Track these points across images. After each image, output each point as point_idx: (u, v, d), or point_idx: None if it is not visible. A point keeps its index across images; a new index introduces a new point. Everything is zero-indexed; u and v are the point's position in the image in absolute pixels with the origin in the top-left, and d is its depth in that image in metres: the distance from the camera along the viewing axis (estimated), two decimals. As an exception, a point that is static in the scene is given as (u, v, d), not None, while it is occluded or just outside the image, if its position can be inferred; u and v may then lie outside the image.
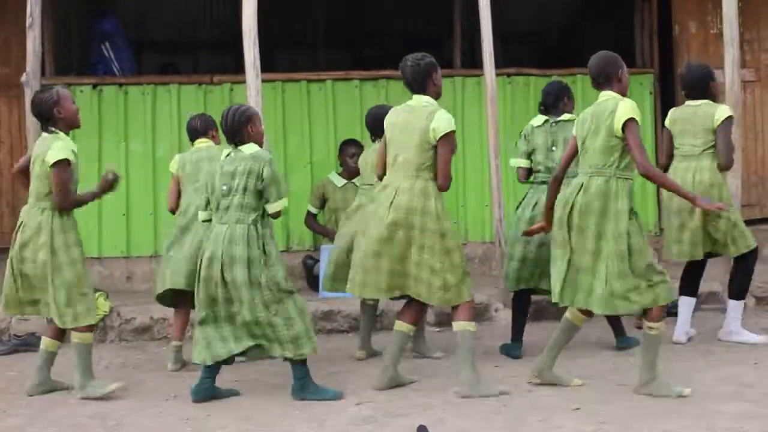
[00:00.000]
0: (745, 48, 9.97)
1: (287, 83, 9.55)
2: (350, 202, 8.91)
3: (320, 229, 9.12)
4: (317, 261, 8.78)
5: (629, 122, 5.89)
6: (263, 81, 8.04)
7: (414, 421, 5.45)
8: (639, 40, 10.44)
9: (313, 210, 9.12)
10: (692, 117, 7.30)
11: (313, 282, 8.85)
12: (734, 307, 7.33)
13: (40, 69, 8.28)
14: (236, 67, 9.52)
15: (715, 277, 8.27)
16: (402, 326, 6.32)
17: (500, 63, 8.60)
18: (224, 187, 6.15)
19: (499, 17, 8.78)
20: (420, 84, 6.24)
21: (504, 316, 8.20)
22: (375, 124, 7.17)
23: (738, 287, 7.38)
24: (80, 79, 9.55)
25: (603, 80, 6.12)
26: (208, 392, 6.20)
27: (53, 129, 6.34)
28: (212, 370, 6.23)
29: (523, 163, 7.32)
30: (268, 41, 8.84)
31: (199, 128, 7.41)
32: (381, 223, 6.15)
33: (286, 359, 6.22)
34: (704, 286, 7.71)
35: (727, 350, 7.02)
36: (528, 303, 7.33)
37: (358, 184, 8.92)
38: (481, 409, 5.78)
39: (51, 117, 6.35)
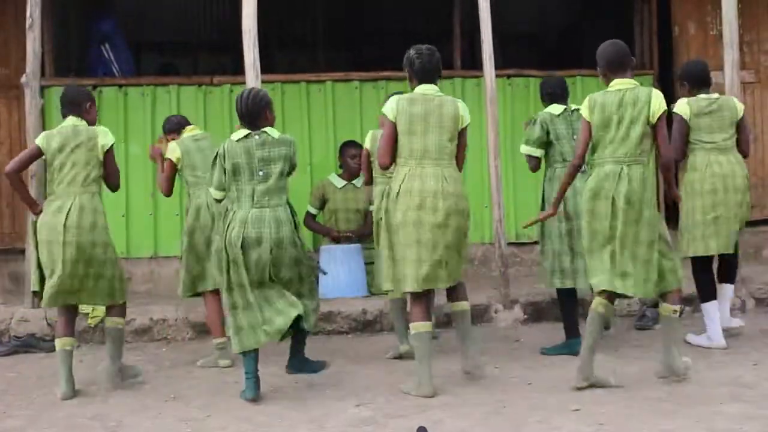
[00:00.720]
0: (745, 49, 9.98)
1: (287, 84, 9.56)
2: (350, 203, 8.94)
3: (320, 229, 9.11)
4: (317, 262, 8.77)
5: (664, 113, 6.08)
6: (263, 82, 8.04)
7: (413, 422, 5.45)
8: (638, 41, 10.44)
9: (313, 211, 9.12)
10: (719, 111, 7.28)
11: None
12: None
13: (40, 70, 8.30)
14: (236, 68, 9.54)
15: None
16: (426, 326, 6.25)
17: (500, 64, 8.61)
18: (261, 172, 6.25)
19: (498, 18, 8.78)
20: (433, 74, 6.35)
21: (503, 317, 8.22)
22: None
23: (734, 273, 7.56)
24: (80, 80, 9.53)
25: (619, 67, 6.19)
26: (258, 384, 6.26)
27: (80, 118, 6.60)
28: (253, 361, 6.25)
29: (539, 152, 7.23)
30: (268, 41, 8.85)
31: (183, 121, 7.64)
32: (435, 212, 6.15)
33: (298, 332, 6.49)
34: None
35: (727, 351, 7.02)
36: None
37: (358, 185, 8.93)
38: (480, 409, 5.79)
39: (80, 107, 6.62)
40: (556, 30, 13.36)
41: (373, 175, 7.49)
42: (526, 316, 8.29)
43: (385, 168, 6.39)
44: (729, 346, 7.08)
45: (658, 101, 6.08)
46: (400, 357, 7.13)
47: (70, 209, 6.41)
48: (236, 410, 6.01)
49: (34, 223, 6.60)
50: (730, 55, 8.38)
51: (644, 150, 6.08)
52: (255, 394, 6.18)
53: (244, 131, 6.31)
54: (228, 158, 6.25)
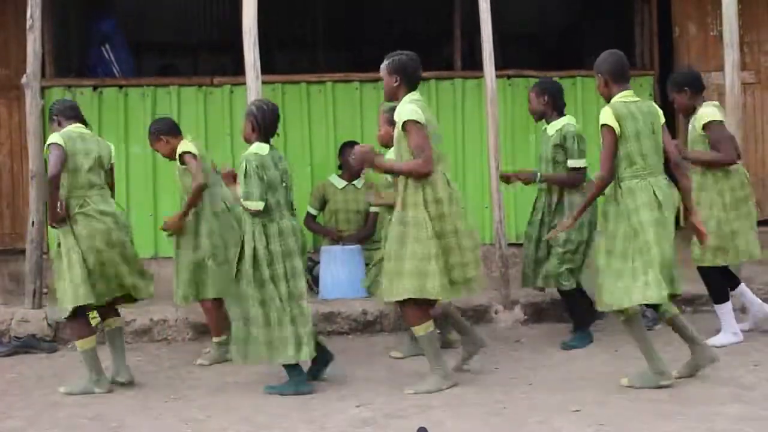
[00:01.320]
0: (745, 50, 9.96)
1: (287, 85, 9.55)
2: (351, 203, 8.94)
3: (320, 230, 9.11)
4: (317, 263, 8.78)
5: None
6: (263, 83, 8.05)
7: (413, 423, 5.45)
8: (639, 42, 10.43)
9: (313, 211, 9.11)
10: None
11: (313, 283, 8.85)
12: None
13: (40, 71, 8.30)
14: (236, 68, 9.52)
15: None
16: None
17: (500, 64, 8.60)
18: (284, 184, 6.46)
19: (498, 18, 8.78)
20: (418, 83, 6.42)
21: (504, 318, 8.22)
22: None
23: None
24: (80, 80, 9.55)
25: (624, 77, 6.24)
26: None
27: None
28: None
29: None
30: (268, 42, 8.84)
31: (176, 124, 7.69)
32: (454, 218, 6.28)
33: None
34: (703, 288, 7.65)
35: (727, 352, 7.01)
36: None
37: (359, 186, 8.93)
38: (480, 410, 5.79)
39: (82, 116, 6.88)
40: (556, 30, 13.36)
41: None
42: (526, 317, 8.29)
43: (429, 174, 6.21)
44: (726, 347, 7.11)
45: (660, 110, 6.26)
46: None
47: (117, 212, 6.72)
48: (236, 410, 6.02)
49: (70, 233, 6.55)
50: (731, 55, 8.37)
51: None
52: (311, 385, 6.43)
53: (267, 144, 6.46)
54: (265, 170, 6.36)
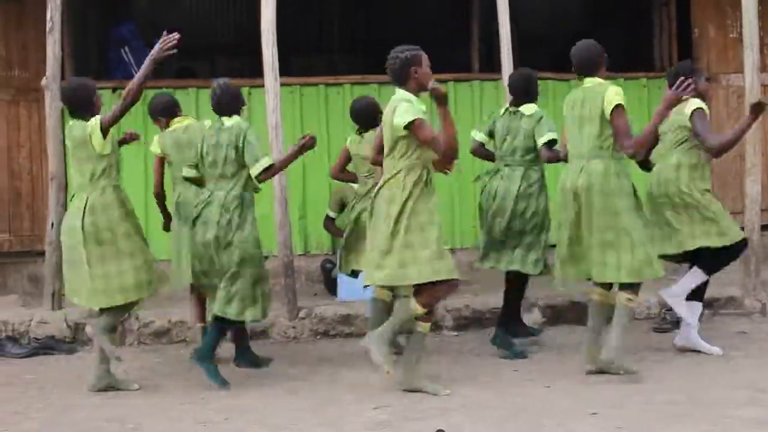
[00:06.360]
0: (765, 51, 9.93)
1: (305, 87, 9.57)
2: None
3: (338, 233, 9.11)
4: (335, 265, 8.78)
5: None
6: (281, 84, 8.06)
7: (430, 426, 5.45)
8: (658, 44, 10.40)
9: (332, 214, 9.10)
10: None
11: (331, 285, 8.85)
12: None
13: (60, 73, 8.34)
14: (252, 71, 9.54)
15: (733, 282, 8.24)
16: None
17: (517, 66, 8.58)
18: (210, 158, 6.86)
19: (514, 21, 8.77)
20: (398, 78, 6.61)
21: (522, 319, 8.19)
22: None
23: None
24: (99, 82, 9.55)
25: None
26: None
27: None
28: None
29: None
30: (285, 45, 8.86)
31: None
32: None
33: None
34: (723, 291, 7.65)
35: (744, 355, 6.99)
36: None
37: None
38: (497, 413, 5.78)
39: None
40: (572, 32, 13.30)
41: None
42: (544, 319, 8.26)
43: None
44: (744, 350, 7.08)
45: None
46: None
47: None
48: (253, 413, 6.02)
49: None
50: (750, 57, 8.33)
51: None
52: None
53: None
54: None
